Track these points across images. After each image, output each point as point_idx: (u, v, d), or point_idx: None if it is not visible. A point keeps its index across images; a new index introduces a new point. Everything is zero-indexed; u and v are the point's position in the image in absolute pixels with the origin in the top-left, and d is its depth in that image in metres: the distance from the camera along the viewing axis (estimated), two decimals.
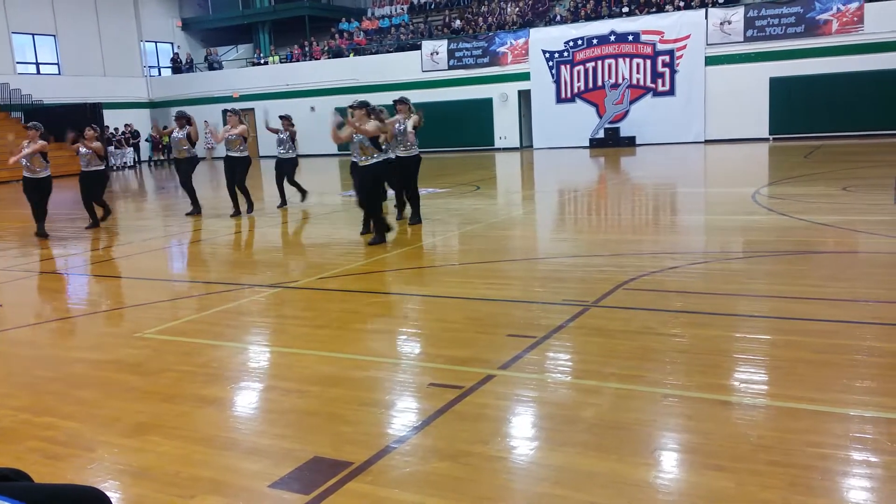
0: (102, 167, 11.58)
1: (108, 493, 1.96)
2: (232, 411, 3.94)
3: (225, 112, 12.44)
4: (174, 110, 35.46)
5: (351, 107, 8.84)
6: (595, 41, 25.89)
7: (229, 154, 12.17)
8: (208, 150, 33.22)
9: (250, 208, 12.28)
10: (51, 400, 4.15)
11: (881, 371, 3.93)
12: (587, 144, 26.10)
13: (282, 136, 12.63)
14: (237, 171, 12.06)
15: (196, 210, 12.49)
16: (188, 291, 7.04)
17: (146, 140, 32.49)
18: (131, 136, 31.15)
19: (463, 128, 27.87)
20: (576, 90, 26.43)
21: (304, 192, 12.81)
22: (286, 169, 12.69)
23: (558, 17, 27.62)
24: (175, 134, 12.33)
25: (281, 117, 12.79)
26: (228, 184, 12.28)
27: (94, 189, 11.58)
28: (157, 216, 13.03)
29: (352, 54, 31.22)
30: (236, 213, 12.07)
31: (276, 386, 4.24)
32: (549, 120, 26.80)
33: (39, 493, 1.73)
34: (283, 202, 12.74)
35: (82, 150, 11.30)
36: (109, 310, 6.38)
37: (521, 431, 3.48)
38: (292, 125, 12.69)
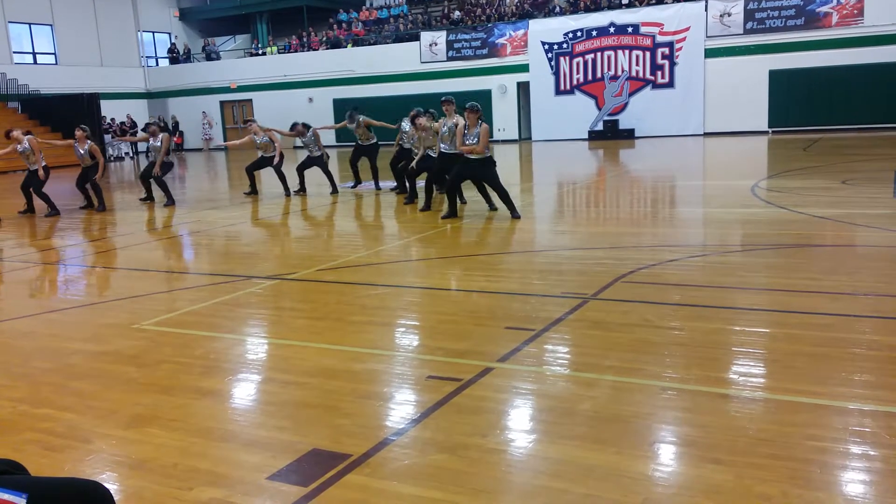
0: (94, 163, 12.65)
1: (106, 485, 1.95)
2: (230, 403, 3.94)
3: (247, 121, 14.11)
4: (171, 101, 35.09)
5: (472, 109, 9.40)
6: (594, 33, 25.82)
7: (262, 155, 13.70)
8: (206, 141, 33.17)
9: (287, 192, 13.44)
10: (49, 391, 4.14)
11: (880, 364, 3.93)
12: (586, 137, 26.07)
13: (305, 139, 13.34)
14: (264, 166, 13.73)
15: (170, 201, 13.08)
16: (185, 283, 7.03)
17: (142, 130, 32.37)
18: (129, 127, 31.03)
19: None
20: (575, 82, 26.38)
21: (287, 188, 13.65)
22: (318, 164, 13.43)
23: (558, 9, 27.53)
24: (152, 142, 13.03)
25: (296, 125, 13.56)
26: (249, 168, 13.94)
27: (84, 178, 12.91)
28: (154, 207, 13.00)
29: (350, 45, 31.12)
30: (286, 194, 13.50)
31: (274, 378, 4.23)
32: (547, 112, 26.75)
33: (42, 486, 1.73)
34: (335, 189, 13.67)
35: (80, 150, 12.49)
36: (107, 301, 6.37)
37: (520, 424, 3.48)
38: (307, 128, 13.39)
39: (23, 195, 12.51)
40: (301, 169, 13.50)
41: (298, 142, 13.84)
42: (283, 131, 13.92)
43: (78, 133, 12.44)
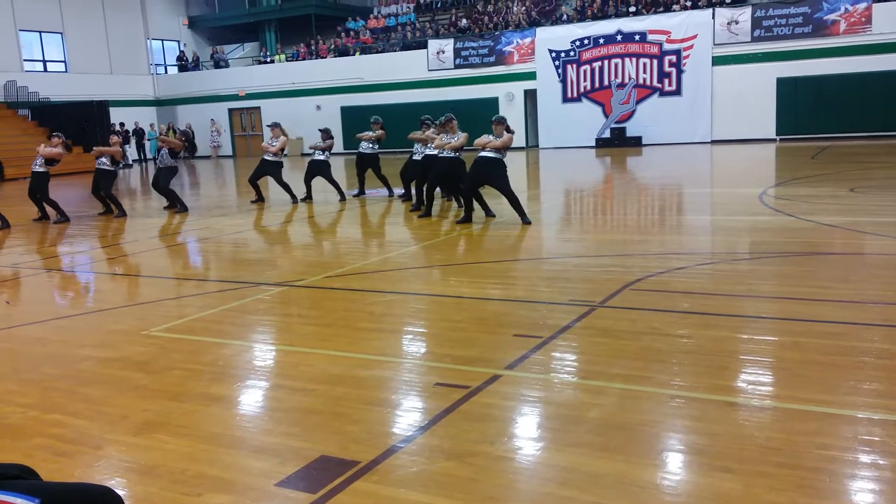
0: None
1: (116, 491, 1.96)
2: (238, 410, 3.95)
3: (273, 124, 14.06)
4: (180, 108, 35.23)
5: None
6: (601, 41, 25.84)
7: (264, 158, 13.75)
8: (213, 148, 33.31)
9: (294, 199, 13.58)
10: (59, 397, 4.16)
11: (889, 373, 3.92)
12: (593, 144, 26.06)
13: (319, 144, 13.73)
14: (270, 173, 13.68)
15: (182, 208, 13.17)
16: (194, 289, 7.05)
17: (148, 139, 32.50)
18: (135, 135, 31.20)
19: (468, 127, 27.76)
20: (582, 90, 26.39)
21: (294, 196, 13.81)
22: (322, 170, 13.67)
23: (565, 17, 27.58)
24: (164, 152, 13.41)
25: (320, 130, 13.95)
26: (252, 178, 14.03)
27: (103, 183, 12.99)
28: (162, 214, 13.05)
29: (358, 53, 31.23)
30: (294, 201, 13.62)
31: (282, 384, 4.24)
32: (555, 119, 26.76)
33: (54, 491, 1.74)
34: (309, 196, 13.92)
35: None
36: (116, 307, 6.40)
37: (527, 432, 3.48)
38: (331, 137, 13.84)
39: (33, 203, 12.59)
40: (308, 179, 13.63)
41: (306, 149, 13.94)
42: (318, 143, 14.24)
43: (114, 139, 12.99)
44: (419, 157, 11.87)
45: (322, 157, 13.45)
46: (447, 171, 10.44)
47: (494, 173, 9.66)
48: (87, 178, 14.54)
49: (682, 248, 7.73)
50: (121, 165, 13.40)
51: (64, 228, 11.66)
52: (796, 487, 2.81)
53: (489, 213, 10.29)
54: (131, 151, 30.65)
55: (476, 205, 10.18)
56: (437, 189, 11.31)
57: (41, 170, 12.19)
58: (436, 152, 10.57)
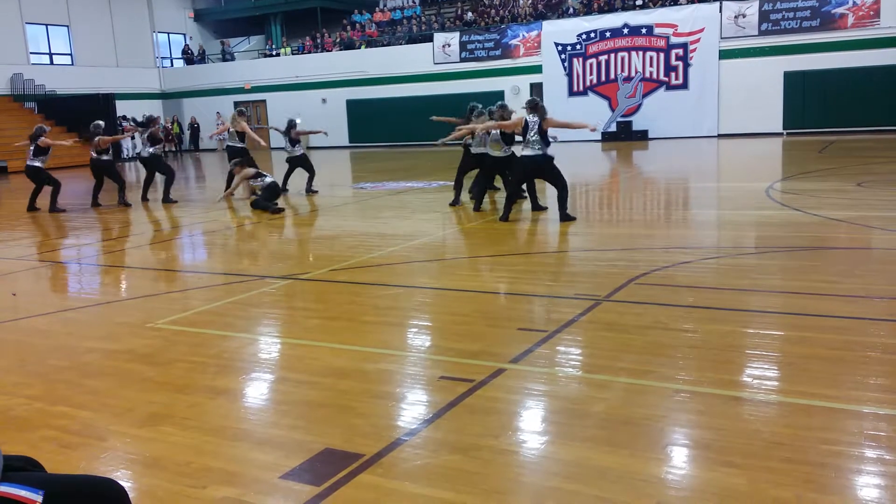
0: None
1: (121, 483, 1.97)
2: (243, 402, 3.96)
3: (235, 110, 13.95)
4: (186, 101, 35.21)
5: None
6: (608, 34, 25.75)
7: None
8: (220, 141, 33.33)
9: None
10: (64, 389, 4.18)
11: (895, 368, 3.90)
12: (599, 138, 25.98)
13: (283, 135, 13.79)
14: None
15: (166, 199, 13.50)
16: (199, 282, 7.06)
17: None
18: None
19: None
20: (588, 83, 26.31)
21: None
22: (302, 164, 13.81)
23: (571, 10, 27.49)
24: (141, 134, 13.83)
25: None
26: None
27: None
28: (171, 207, 13.07)
29: (363, 46, 31.19)
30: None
31: (287, 377, 4.25)
32: (560, 113, 26.52)
33: (58, 484, 1.75)
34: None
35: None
36: (122, 299, 6.41)
37: (532, 425, 3.48)
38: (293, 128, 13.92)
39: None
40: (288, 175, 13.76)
41: (281, 142, 14.01)
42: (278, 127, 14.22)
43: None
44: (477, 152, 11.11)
45: (299, 153, 13.46)
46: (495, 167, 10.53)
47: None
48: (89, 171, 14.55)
49: (688, 243, 7.71)
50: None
51: (66, 220, 11.68)
52: (802, 482, 2.80)
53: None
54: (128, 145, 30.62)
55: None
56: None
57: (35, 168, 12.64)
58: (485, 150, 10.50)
